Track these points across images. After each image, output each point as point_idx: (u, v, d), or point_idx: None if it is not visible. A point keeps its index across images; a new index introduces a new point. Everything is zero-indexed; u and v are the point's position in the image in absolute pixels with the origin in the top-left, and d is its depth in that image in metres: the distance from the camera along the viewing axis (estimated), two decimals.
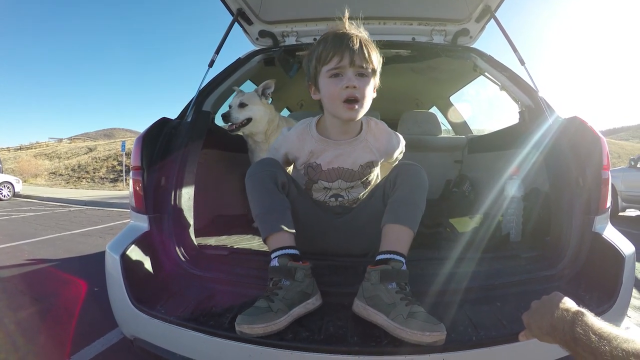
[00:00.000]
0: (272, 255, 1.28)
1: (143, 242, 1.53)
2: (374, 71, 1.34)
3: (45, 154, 30.38)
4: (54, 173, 23.58)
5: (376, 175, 1.66)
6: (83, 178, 21.44)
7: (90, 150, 28.85)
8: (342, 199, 1.62)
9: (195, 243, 1.67)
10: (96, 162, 23.67)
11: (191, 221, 1.69)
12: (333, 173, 1.54)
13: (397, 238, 1.29)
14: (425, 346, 1.04)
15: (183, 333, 1.21)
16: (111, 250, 1.47)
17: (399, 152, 1.66)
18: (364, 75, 1.32)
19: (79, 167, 23.55)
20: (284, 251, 1.28)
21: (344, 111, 1.34)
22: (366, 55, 1.30)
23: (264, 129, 2.38)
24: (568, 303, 0.82)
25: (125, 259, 1.41)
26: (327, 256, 1.58)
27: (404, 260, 1.24)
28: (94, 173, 21.96)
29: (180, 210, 1.64)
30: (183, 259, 1.54)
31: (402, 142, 1.66)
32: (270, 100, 2.43)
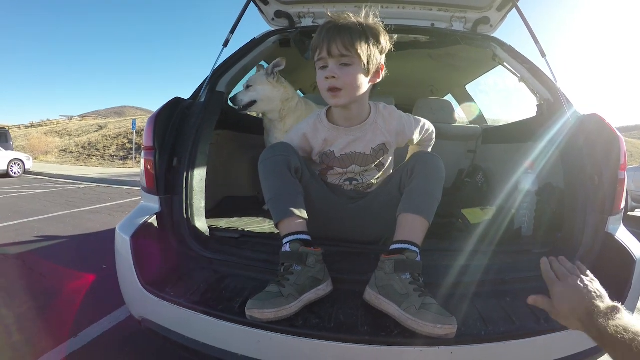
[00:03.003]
0: (284, 241, 1.28)
1: (153, 223, 1.53)
2: (359, 57, 1.29)
3: (56, 132, 30.60)
4: (64, 150, 23.77)
5: (391, 159, 1.64)
6: (93, 156, 21.59)
7: (101, 128, 29.00)
8: (356, 182, 1.61)
9: (207, 225, 1.67)
10: (106, 139, 23.79)
11: (202, 203, 1.69)
12: (347, 159, 1.54)
13: (412, 228, 1.29)
14: (436, 339, 1.04)
15: (191, 316, 1.21)
16: (121, 231, 1.47)
17: (419, 133, 1.62)
18: (348, 64, 1.30)
19: (89, 144, 23.70)
20: (295, 236, 1.27)
21: (329, 99, 1.37)
22: (347, 43, 1.27)
23: (278, 108, 2.35)
24: (604, 294, 0.81)
25: (135, 240, 1.40)
26: (339, 242, 1.58)
27: (418, 251, 1.24)
28: (104, 151, 22.10)
29: (192, 192, 1.64)
30: (193, 241, 1.54)
31: (422, 122, 1.63)
32: (282, 80, 2.39)
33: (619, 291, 1.30)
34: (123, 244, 1.42)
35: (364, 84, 1.35)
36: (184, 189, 1.61)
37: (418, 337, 1.05)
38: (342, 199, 1.59)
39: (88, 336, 2.05)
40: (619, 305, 0.73)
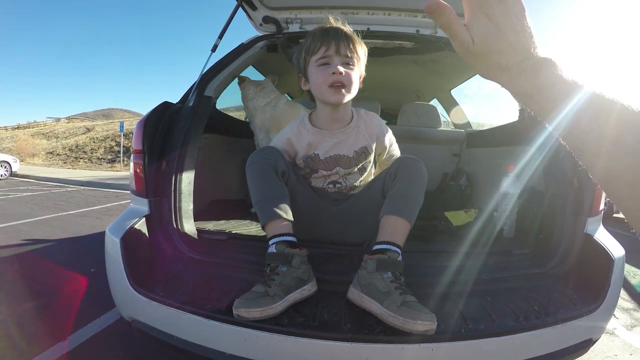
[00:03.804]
0: (270, 242, 1.31)
1: (143, 225, 1.54)
2: (358, 60, 1.45)
3: (43, 134, 30.22)
4: (51, 153, 23.49)
5: (372, 162, 1.69)
6: (80, 158, 21.38)
7: (88, 130, 28.70)
8: (339, 185, 1.64)
9: (195, 228, 1.69)
10: (94, 142, 23.57)
11: (191, 205, 1.71)
12: (331, 161, 1.58)
13: (394, 229, 1.33)
14: (416, 335, 1.07)
15: (181, 316, 1.23)
16: (111, 233, 1.49)
17: (388, 141, 1.68)
18: (350, 64, 1.43)
19: (76, 147, 23.46)
20: (281, 238, 1.31)
21: (331, 95, 1.43)
22: (351, 45, 1.42)
23: (245, 108, 2.67)
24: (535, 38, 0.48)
25: (125, 241, 1.42)
26: (323, 244, 1.61)
27: (399, 251, 1.28)
28: (92, 153, 21.90)
29: (181, 195, 1.66)
30: (182, 242, 1.56)
31: (390, 131, 1.70)
32: (246, 84, 2.61)
33: (598, 289, 1.35)
34: (113, 245, 1.44)
35: (358, 85, 1.48)
36: (173, 192, 1.63)
37: (400, 334, 1.08)
38: (327, 202, 1.63)
39: (78, 339, 2.05)
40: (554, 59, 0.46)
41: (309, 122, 1.59)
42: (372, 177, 1.71)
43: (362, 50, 1.47)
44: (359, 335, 1.11)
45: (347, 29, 1.46)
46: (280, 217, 1.34)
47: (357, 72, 1.46)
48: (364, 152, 1.59)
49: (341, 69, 1.38)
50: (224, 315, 1.17)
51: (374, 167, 1.73)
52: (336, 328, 1.12)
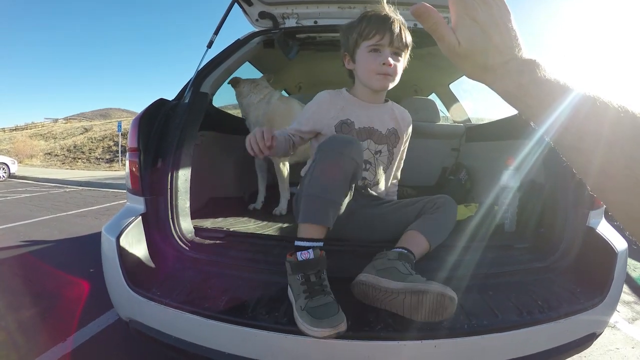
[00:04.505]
0: (306, 244, 1.23)
1: (139, 224, 1.53)
2: (406, 53, 1.53)
3: (41, 135, 30.18)
4: (49, 154, 23.45)
5: (398, 156, 1.74)
6: (79, 159, 21.34)
7: (86, 130, 28.65)
8: (369, 165, 1.63)
9: (192, 226, 1.67)
10: (92, 142, 23.53)
11: (187, 203, 1.69)
12: (364, 132, 1.61)
13: (416, 244, 1.37)
14: (417, 332, 1.07)
15: (178, 315, 1.22)
16: (107, 232, 1.47)
17: (408, 141, 1.78)
18: (398, 55, 1.50)
19: (74, 147, 23.42)
20: (317, 243, 1.24)
21: (376, 81, 1.51)
22: (403, 38, 1.47)
23: (239, 105, 2.67)
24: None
25: (121, 241, 1.40)
26: (331, 241, 1.58)
27: (415, 260, 1.31)
28: (90, 153, 21.86)
29: (177, 192, 1.64)
30: (179, 241, 1.55)
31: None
32: (239, 83, 2.62)
33: (601, 283, 1.34)
34: (109, 245, 1.42)
35: (400, 74, 1.55)
36: (169, 190, 1.61)
37: (400, 331, 1.07)
38: (359, 202, 1.61)
39: (77, 340, 2.03)
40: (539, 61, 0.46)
41: (346, 91, 1.66)
42: (396, 180, 1.81)
43: (410, 43, 1.52)
44: (359, 333, 1.09)
45: (401, 19, 1.50)
46: (329, 225, 1.27)
47: (403, 63, 1.53)
48: (394, 134, 1.67)
49: (391, 60, 1.45)
50: (222, 314, 1.16)
51: (400, 165, 1.81)
52: None
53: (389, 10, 1.50)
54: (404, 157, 1.83)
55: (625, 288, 3.05)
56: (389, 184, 1.77)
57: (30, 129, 38.49)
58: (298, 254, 1.19)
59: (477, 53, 0.48)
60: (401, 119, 1.69)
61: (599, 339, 1.38)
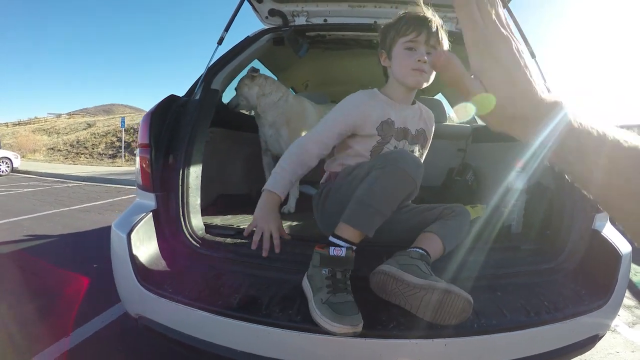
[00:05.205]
0: (342, 243, 1.26)
1: (150, 220, 1.53)
2: None
3: (44, 130, 30.20)
4: (52, 149, 23.49)
5: (423, 160, 1.73)
6: (82, 154, 21.37)
7: (89, 125, 28.67)
8: None
9: (202, 223, 1.68)
10: (95, 137, 23.55)
11: (198, 200, 1.69)
12: (401, 132, 1.62)
13: (434, 247, 1.37)
14: (429, 330, 1.09)
15: (191, 312, 1.22)
16: (117, 229, 1.47)
17: (430, 140, 1.80)
18: (432, 54, 1.48)
19: (77, 142, 23.44)
20: (351, 246, 1.27)
21: (411, 77, 1.51)
22: (440, 37, 1.49)
23: (255, 105, 2.55)
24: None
25: (132, 237, 1.40)
26: None
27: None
28: (93, 149, 21.88)
29: (188, 189, 1.64)
30: (190, 238, 1.55)
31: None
32: (259, 80, 2.56)
33: (606, 285, 1.35)
34: (119, 241, 1.43)
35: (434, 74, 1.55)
36: (180, 186, 1.61)
37: (413, 329, 1.09)
38: None
39: (81, 335, 2.05)
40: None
41: (378, 91, 1.66)
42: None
43: (446, 43, 1.54)
44: (372, 331, 1.10)
45: (439, 21, 1.52)
46: (370, 235, 1.30)
47: None
48: (422, 134, 1.70)
49: (427, 58, 1.47)
50: (235, 311, 1.16)
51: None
52: None
53: (427, 11, 1.52)
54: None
55: (627, 292, 3.06)
56: None
57: (34, 123, 38.53)
58: (331, 248, 1.20)
59: (504, 101, 0.42)
60: (428, 118, 1.73)
61: (599, 342, 1.40)
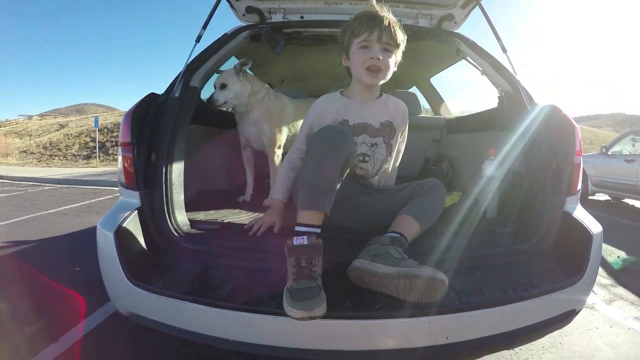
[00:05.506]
0: (303, 229, 1.32)
1: (135, 218, 1.54)
2: (397, 47, 1.57)
3: (16, 132, 29.25)
4: (25, 151, 22.79)
5: (396, 147, 1.79)
6: (55, 156, 20.81)
7: (62, 126, 27.89)
8: (368, 158, 1.69)
9: (187, 218, 1.70)
10: (68, 139, 22.94)
11: (182, 197, 1.71)
12: (358, 128, 1.66)
13: (408, 227, 1.45)
14: (412, 309, 1.15)
15: (182, 306, 1.25)
16: (103, 228, 1.47)
17: (405, 131, 1.85)
18: (388, 50, 1.55)
19: (50, 144, 22.81)
20: (314, 229, 1.33)
21: (366, 76, 1.56)
22: (392, 33, 1.52)
23: (245, 102, 2.49)
24: None
25: (119, 235, 1.41)
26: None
27: (407, 244, 1.39)
28: (67, 150, 21.33)
29: (172, 186, 1.66)
30: (176, 233, 1.57)
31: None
32: (249, 76, 2.52)
33: (579, 263, 1.43)
34: (106, 240, 1.42)
35: (393, 70, 1.61)
36: (164, 183, 1.63)
37: (397, 309, 1.15)
38: (356, 187, 1.71)
39: (68, 341, 2.02)
40: None
41: (339, 94, 1.72)
42: (397, 165, 1.88)
43: (401, 39, 1.57)
44: (359, 313, 1.16)
45: (391, 18, 1.55)
46: (324, 210, 1.35)
47: (394, 59, 1.58)
48: (388, 126, 1.72)
49: (380, 55, 1.51)
50: (226, 302, 1.20)
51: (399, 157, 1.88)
52: (338, 307, 1.16)
53: (379, 8, 1.56)
54: (402, 150, 1.89)
55: (602, 272, 3.22)
56: (389, 174, 1.84)
57: (5, 126, 37.28)
58: (294, 238, 1.25)
59: None
60: (395, 110, 1.75)
61: (579, 319, 1.47)
